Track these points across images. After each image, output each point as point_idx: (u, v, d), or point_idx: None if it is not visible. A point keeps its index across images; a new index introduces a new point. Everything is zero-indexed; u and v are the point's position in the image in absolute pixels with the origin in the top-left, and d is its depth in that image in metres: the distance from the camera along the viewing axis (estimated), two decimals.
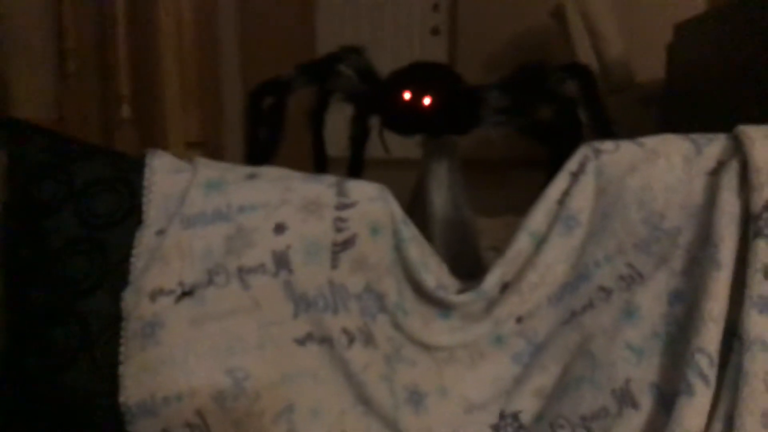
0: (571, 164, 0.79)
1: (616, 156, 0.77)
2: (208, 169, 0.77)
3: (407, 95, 1.00)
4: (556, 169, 0.80)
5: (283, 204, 0.74)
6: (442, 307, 0.78)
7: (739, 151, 0.69)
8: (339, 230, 0.74)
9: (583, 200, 0.78)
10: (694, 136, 0.76)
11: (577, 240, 0.77)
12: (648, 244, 0.72)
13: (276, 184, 0.76)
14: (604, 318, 0.72)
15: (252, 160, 1.05)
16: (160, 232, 0.72)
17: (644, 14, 2.32)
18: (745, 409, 0.60)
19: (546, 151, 0.97)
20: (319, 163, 1.12)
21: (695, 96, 1.57)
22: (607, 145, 0.78)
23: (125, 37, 1.64)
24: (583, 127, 0.97)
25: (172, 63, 1.67)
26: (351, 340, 0.73)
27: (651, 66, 1.94)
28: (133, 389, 0.67)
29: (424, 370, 0.77)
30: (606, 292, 0.73)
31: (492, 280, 0.77)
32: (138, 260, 0.71)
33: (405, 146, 1.09)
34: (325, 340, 0.72)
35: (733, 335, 0.64)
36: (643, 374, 0.67)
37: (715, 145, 0.73)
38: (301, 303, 0.72)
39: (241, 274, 0.71)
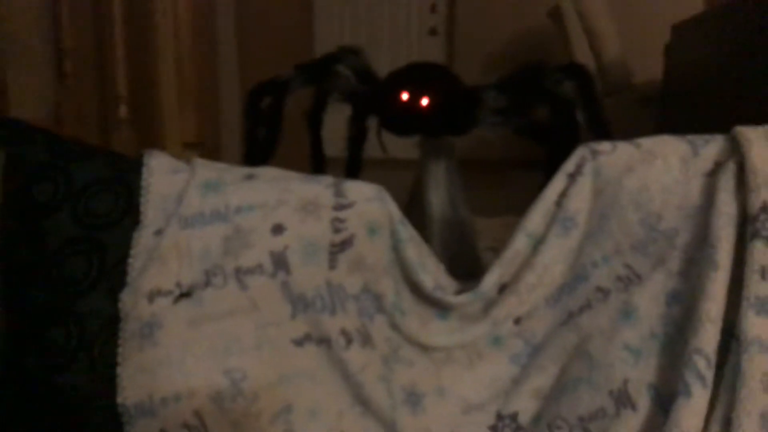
0: (569, 165, 0.79)
1: (613, 157, 0.77)
2: (206, 169, 0.77)
3: (405, 96, 1.00)
4: (554, 170, 0.80)
5: (280, 205, 0.74)
6: (440, 307, 0.78)
7: (736, 152, 0.70)
8: (337, 231, 0.74)
9: (580, 201, 0.78)
10: (692, 137, 0.76)
11: (575, 241, 0.77)
12: (645, 245, 0.72)
13: (274, 185, 0.76)
14: (601, 319, 0.72)
15: (250, 160, 1.05)
16: (158, 233, 0.72)
17: (642, 15, 2.32)
18: (743, 410, 0.60)
19: (543, 152, 0.97)
20: (316, 164, 1.12)
21: (693, 97, 1.57)
22: (605, 146, 0.79)
23: (123, 37, 1.64)
24: (580, 127, 0.97)
25: (169, 63, 1.67)
26: (349, 341, 0.73)
27: (649, 67, 1.94)
28: (130, 390, 0.66)
29: (422, 370, 0.77)
30: (603, 292, 0.73)
31: (490, 281, 0.77)
32: (136, 261, 0.71)
33: (403, 146, 1.09)
34: (323, 341, 0.72)
35: (730, 336, 0.64)
36: (640, 375, 0.67)
37: (712, 147, 0.73)
38: (299, 303, 0.72)
39: (239, 275, 0.71)
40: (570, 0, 2.17)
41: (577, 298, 0.75)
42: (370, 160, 1.08)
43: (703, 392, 0.62)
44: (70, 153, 0.75)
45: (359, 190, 0.78)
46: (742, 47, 1.31)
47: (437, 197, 1.05)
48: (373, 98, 1.05)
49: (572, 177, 0.78)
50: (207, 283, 0.70)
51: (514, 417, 0.74)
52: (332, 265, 0.74)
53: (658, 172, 0.74)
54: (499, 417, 0.74)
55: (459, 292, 0.79)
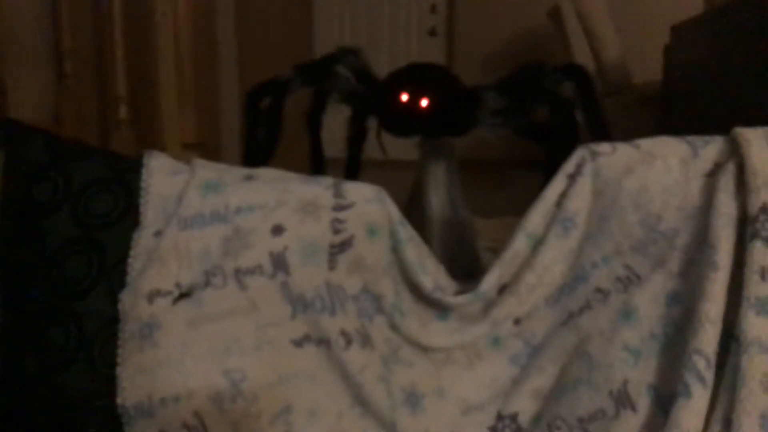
0: (568, 166, 0.79)
1: (613, 158, 0.77)
2: (206, 170, 0.77)
3: (405, 96, 1.00)
4: (553, 171, 0.80)
5: (280, 205, 0.74)
6: (440, 308, 0.78)
7: (736, 153, 0.70)
8: (336, 231, 0.74)
9: (580, 202, 0.78)
10: (691, 138, 0.76)
11: (575, 242, 0.77)
12: (645, 245, 0.72)
13: (273, 186, 0.76)
14: (601, 319, 0.72)
15: (249, 161, 1.05)
16: (158, 234, 0.72)
17: (641, 16, 2.32)
18: (743, 411, 0.60)
19: (543, 153, 0.97)
20: (316, 164, 1.12)
21: (692, 97, 1.57)
22: (604, 147, 0.79)
23: (122, 37, 1.64)
24: (579, 128, 0.97)
25: (169, 64, 1.67)
26: (348, 342, 0.73)
27: (648, 67, 1.94)
28: (130, 390, 0.67)
29: (422, 371, 0.77)
30: (603, 293, 0.73)
31: (489, 282, 0.77)
32: (135, 261, 0.71)
33: (402, 147, 1.09)
34: (323, 342, 0.72)
35: (730, 337, 0.64)
36: (640, 376, 0.67)
37: (711, 147, 0.73)
38: (299, 304, 0.72)
39: (239, 276, 0.71)
40: (570, 0, 2.17)
41: (576, 299, 0.75)
42: (370, 161, 1.08)
43: (703, 393, 0.62)
44: (70, 153, 0.75)
45: (359, 191, 0.78)
46: (742, 47, 1.31)
47: (437, 198, 1.05)
48: (372, 99, 1.04)
49: (572, 178, 0.78)
50: (206, 284, 0.70)
51: (513, 417, 0.74)
52: (332, 265, 0.74)
53: (658, 173, 0.74)
54: (499, 417, 0.74)
55: (459, 293, 0.79)
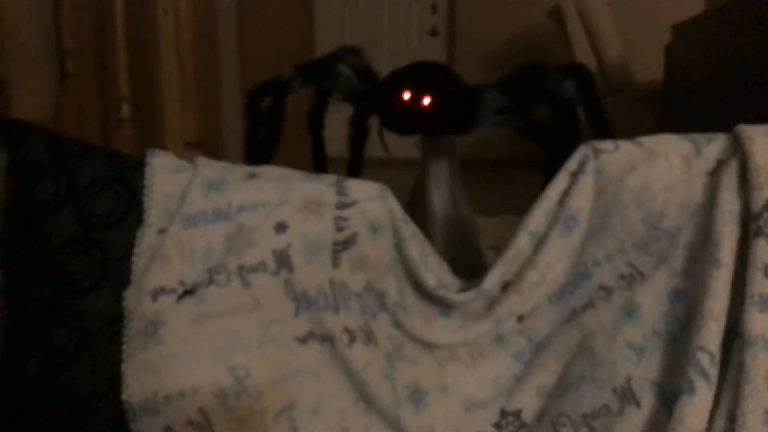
0: (571, 164, 0.79)
1: (616, 156, 0.77)
2: (209, 168, 0.77)
3: (406, 95, 1.00)
4: (555, 169, 0.80)
5: (283, 203, 0.74)
6: (443, 305, 0.78)
7: (738, 150, 0.70)
8: (339, 229, 0.74)
9: (582, 200, 0.78)
10: (694, 135, 0.76)
11: (577, 239, 0.77)
12: (648, 243, 0.72)
13: (276, 184, 0.76)
14: (604, 317, 0.72)
15: (251, 160, 1.05)
16: (161, 231, 0.72)
17: (642, 15, 2.31)
18: (747, 407, 0.61)
19: (545, 151, 0.97)
20: (318, 163, 1.12)
21: (694, 96, 1.57)
22: (607, 144, 0.79)
23: (124, 36, 1.63)
24: (581, 127, 0.97)
25: (171, 63, 1.67)
26: (352, 339, 0.73)
27: (649, 66, 1.94)
28: (135, 387, 0.67)
29: (425, 368, 0.77)
30: (606, 290, 0.73)
31: (492, 279, 0.77)
32: (139, 259, 0.71)
33: (404, 146, 1.08)
34: (326, 339, 0.72)
35: (734, 334, 0.64)
36: (644, 372, 0.67)
37: (714, 145, 0.73)
38: (302, 302, 0.72)
39: (242, 273, 0.71)
40: (570, 0, 2.17)
41: (579, 296, 0.75)
42: (372, 160, 1.08)
43: (707, 389, 0.62)
44: (72, 152, 0.75)
45: (361, 189, 0.78)
46: (743, 47, 1.31)
47: (439, 196, 1.05)
48: (374, 98, 1.04)
49: (574, 176, 0.78)
50: (210, 281, 0.70)
51: (517, 414, 0.74)
52: (335, 263, 0.74)
53: (661, 170, 0.74)
54: (503, 414, 0.74)
55: (462, 290, 0.79)
